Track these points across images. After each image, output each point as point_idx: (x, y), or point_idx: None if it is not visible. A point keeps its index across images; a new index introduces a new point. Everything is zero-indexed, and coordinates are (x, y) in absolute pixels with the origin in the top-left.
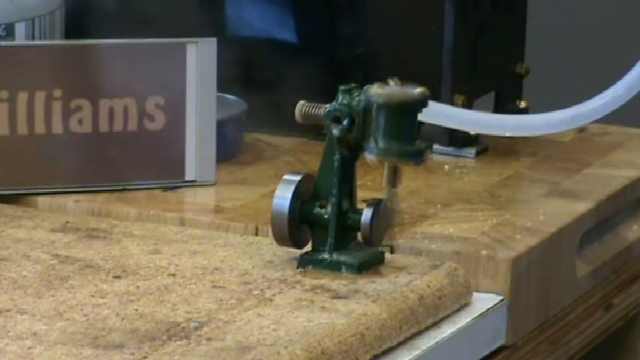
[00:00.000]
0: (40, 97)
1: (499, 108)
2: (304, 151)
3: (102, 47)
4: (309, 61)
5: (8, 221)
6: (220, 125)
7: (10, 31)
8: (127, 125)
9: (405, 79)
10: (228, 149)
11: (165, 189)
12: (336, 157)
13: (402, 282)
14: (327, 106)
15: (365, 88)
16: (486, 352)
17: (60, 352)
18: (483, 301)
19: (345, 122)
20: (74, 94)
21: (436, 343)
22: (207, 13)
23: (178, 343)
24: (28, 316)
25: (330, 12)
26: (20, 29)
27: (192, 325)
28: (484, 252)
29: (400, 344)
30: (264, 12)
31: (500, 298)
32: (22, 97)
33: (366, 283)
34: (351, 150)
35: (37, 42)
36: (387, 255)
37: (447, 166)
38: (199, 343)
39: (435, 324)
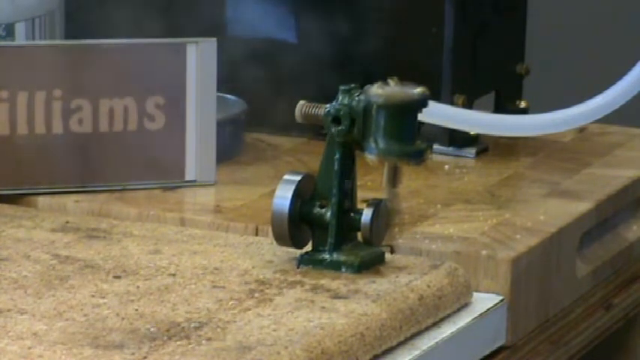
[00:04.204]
0: (40, 97)
1: (499, 108)
2: (304, 151)
3: (102, 47)
4: (308, 61)
5: (8, 221)
6: (220, 125)
7: (10, 31)
8: (127, 125)
9: (405, 79)
10: (228, 149)
11: (165, 189)
12: (336, 157)
13: (402, 282)
14: (327, 106)
15: (365, 88)
16: (486, 352)
17: (60, 352)
18: (483, 301)
19: (344, 122)
20: (74, 94)
21: (436, 343)
22: (208, 13)
23: (178, 343)
24: (28, 316)
25: (330, 12)
26: (20, 29)
27: (192, 325)
28: (484, 252)
29: (400, 344)
30: (264, 12)
31: (500, 298)
32: (22, 97)
33: (366, 283)
34: (351, 150)
35: (37, 42)
36: (387, 255)
37: (447, 166)
38: (199, 343)
39: (435, 324)
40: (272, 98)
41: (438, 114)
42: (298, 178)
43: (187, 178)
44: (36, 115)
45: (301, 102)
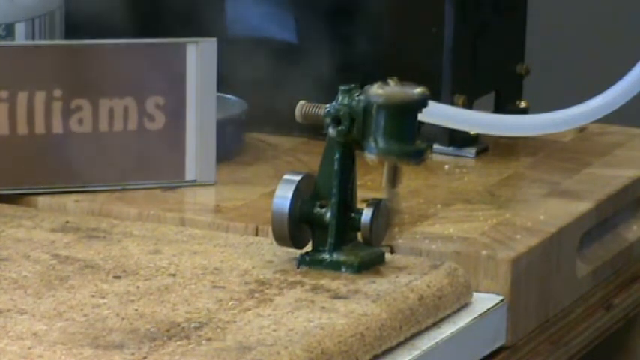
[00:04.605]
0: (40, 97)
1: (499, 108)
2: (304, 151)
3: (102, 47)
4: (309, 61)
5: (8, 221)
6: (220, 125)
7: (10, 31)
8: (127, 125)
9: (405, 79)
10: (228, 149)
11: (165, 189)
12: (336, 157)
13: (402, 282)
14: (327, 106)
15: (365, 88)
16: (486, 352)
17: (60, 352)
18: (483, 301)
19: (344, 122)
20: (74, 94)
21: (436, 343)
22: (208, 13)
23: (178, 343)
24: (28, 316)
25: (330, 12)
26: (20, 29)
27: (192, 325)
28: (484, 252)
29: (400, 344)
30: (264, 12)
31: (500, 298)
32: (22, 97)
33: (366, 283)
34: (351, 150)
35: (37, 42)
36: (387, 255)
37: (447, 166)
38: (199, 343)
39: (435, 324)
40: (272, 98)
41: (438, 114)
42: (298, 178)
43: (187, 178)
44: (36, 115)
45: (301, 102)
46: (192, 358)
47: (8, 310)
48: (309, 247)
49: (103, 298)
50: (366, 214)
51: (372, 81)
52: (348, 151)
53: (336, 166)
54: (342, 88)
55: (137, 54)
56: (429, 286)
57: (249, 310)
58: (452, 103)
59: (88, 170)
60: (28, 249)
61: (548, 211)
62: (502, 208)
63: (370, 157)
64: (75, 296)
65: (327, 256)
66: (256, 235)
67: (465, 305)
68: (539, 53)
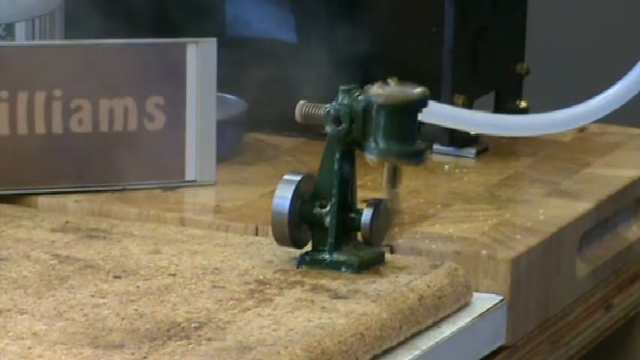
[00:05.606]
0: (40, 97)
1: (499, 108)
2: (304, 151)
3: (102, 47)
4: (309, 60)
5: (8, 221)
6: (220, 125)
7: (10, 31)
8: (127, 125)
9: (405, 79)
10: (228, 149)
11: (165, 189)
12: (336, 157)
13: (402, 282)
14: (327, 106)
15: (365, 88)
16: (486, 352)
17: (60, 352)
18: (483, 301)
19: (345, 122)
20: (74, 94)
21: (436, 343)
22: (208, 12)
23: (178, 343)
24: (28, 316)
25: (330, 12)
26: (20, 29)
27: (192, 325)
28: (484, 252)
29: (400, 344)
30: (264, 12)
31: (500, 298)
32: (22, 97)
33: (366, 283)
34: (351, 150)
35: (37, 42)
36: (387, 255)
37: (447, 166)
38: (199, 343)
39: (435, 324)
40: (272, 98)
41: (438, 114)
42: (298, 178)
43: (187, 178)
44: (36, 115)
45: (301, 102)
46: (192, 358)
47: (8, 310)
48: (309, 247)
49: (103, 298)
50: (366, 214)
51: (372, 81)
52: (348, 151)
53: (336, 166)
54: (342, 88)
55: (137, 54)
56: (429, 286)
57: (249, 310)
58: (452, 103)
59: (88, 170)
60: (28, 249)
61: (548, 211)
62: (502, 208)
63: (370, 157)
64: (75, 296)
65: (327, 256)
66: (256, 235)
67: (465, 305)
68: (539, 53)
